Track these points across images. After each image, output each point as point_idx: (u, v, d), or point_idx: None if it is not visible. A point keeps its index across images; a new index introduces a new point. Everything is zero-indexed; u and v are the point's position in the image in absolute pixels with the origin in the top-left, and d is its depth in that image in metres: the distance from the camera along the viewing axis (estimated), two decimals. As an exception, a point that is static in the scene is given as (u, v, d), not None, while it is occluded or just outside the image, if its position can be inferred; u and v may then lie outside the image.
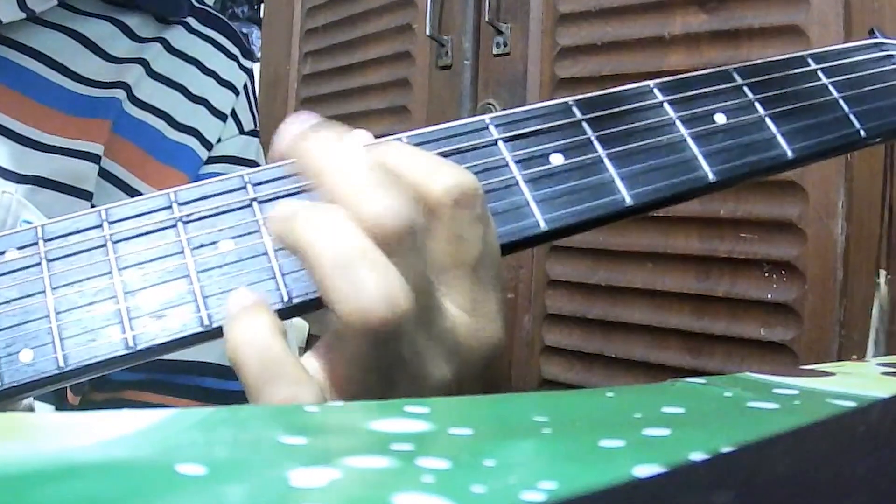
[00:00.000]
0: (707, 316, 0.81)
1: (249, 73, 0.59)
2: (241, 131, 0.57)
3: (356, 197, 0.27)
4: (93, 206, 0.49)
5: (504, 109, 0.32)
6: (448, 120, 0.34)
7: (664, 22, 0.85)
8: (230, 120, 0.56)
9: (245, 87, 0.58)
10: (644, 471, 0.13)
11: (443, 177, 0.29)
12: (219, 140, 0.56)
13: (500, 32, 1.02)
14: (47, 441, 0.15)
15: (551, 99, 0.35)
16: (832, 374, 0.25)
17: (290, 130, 0.30)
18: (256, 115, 0.59)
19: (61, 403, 0.49)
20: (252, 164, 0.58)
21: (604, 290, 0.89)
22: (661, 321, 0.84)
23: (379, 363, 0.27)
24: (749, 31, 0.79)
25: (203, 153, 0.55)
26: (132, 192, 0.52)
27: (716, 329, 0.80)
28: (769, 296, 0.77)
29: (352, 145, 0.29)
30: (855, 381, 0.25)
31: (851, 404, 0.20)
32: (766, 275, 0.77)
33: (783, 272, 0.76)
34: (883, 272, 0.55)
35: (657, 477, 0.13)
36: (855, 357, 0.71)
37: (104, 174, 0.50)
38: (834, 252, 0.73)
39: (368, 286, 0.26)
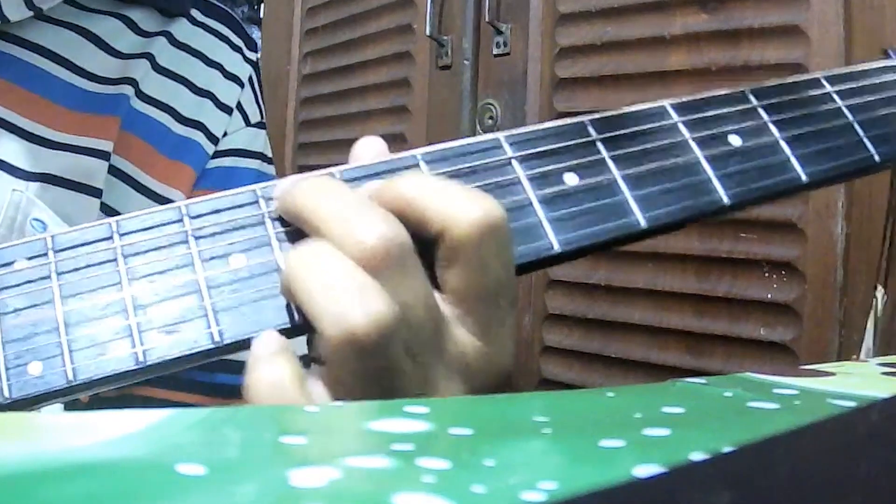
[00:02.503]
0: (707, 316, 0.81)
1: (254, 64, 0.59)
2: (248, 123, 0.57)
3: (334, 226, 0.28)
4: (102, 204, 0.49)
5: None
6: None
7: (664, 22, 0.85)
8: (236, 113, 0.56)
9: (250, 78, 0.58)
10: (644, 471, 0.13)
11: (470, 206, 0.29)
12: (225, 133, 0.56)
13: (500, 32, 1.02)
14: (48, 441, 0.15)
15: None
16: (832, 374, 0.25)
17: (280, 191, 0.31)
18: (263, 107, 0.59)
19: (71, 401, 0.49)
20: (259, 156, 0.58)
21: (604, 290, 0.89)
22: (661, 321, 0.84)
23: (374, 381, 0.27)
24: (749, 31, 0.79)
25: (209, 147, 0.55)
26: (141, 189, 0.52)
27: (716, 329, 0.80)
28: (769, 296, 0.77)
29: (327, 183, 0.30)
30: (855, 381, 0.25)
31: (851, 404, 0.20)
32: (766, 275, 0.77)
33: (783, 272, 0.76)
34: (881, 289, 0.55)
35: (657, 477, 0.13)
36: (855, 357, 0.71)
37: (113, 170, 0.50)
38: (834, 252, 0.73)
39: (348, 301, 0.27)
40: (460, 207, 0.29)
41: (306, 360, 0.29)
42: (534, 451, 0.16)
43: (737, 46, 0.80)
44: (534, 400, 0.21)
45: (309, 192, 0.30)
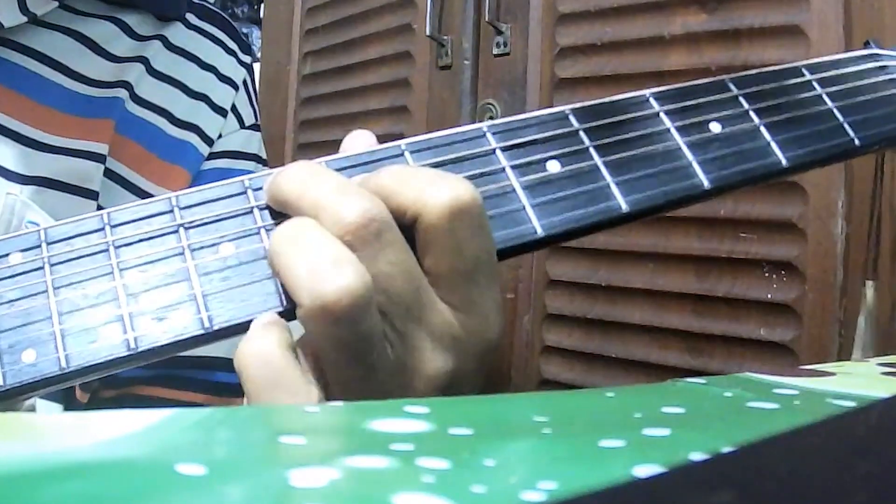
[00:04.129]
0: (707, 316, 0.81)
1: (248, 67, 0.59)
2: (242, 126, 0.57)
3: (317, 206, 0.29)
4: (98, 206, 0.50)
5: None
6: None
7: (664, 22, 0.85)
8: (230, 115, 0.57)
9: (244, 81, 0.58)
10: (644, 471, 0.13)
11: (439, 191, 0.29)
12: (219, 136, 0.56)
13: (500, 32, 1.02)
14: (47, 441, 0.15)
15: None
16: (832, 374, 0.25)
17: (268, 182, 0.32)
18: (257, 109, 0.59)
19: (70, 401, 0.49)
20: (254, 158, 0.58)
21: (604, 290, 0.89)
22: (661, 321, 0.84)
23: (352, 351, 0.28)
24: (749, 31, 0.79)
25: (204, 149, 0.55)
26: (136, 191, 0.52)
27: (716, 329, 0.80)
28: (769, 296, 0.77)
29: (309, 167, 0.31)
30: (855, 381, 0.25)
31: (851, 404, 0.20)
32: (766, 275, 0.77)
33: (783, 272, 0.76)
34: (870, 283, 0.55)
35: (657, 477, 0.13)
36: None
37: (108, 173, 0.51)
38: (834, 252, 0.73)
39: (320, 273, 0.28)
40: (429, 193, 0.30)
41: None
42: (534, 451, 0.16)
43: (737, 46, 0.80)
44: (534, 400, 0.21)
45: (293, 177, 0.31)
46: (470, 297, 0.30)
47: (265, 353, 0.28)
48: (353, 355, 0.28)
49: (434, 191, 0.29)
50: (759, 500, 0.13)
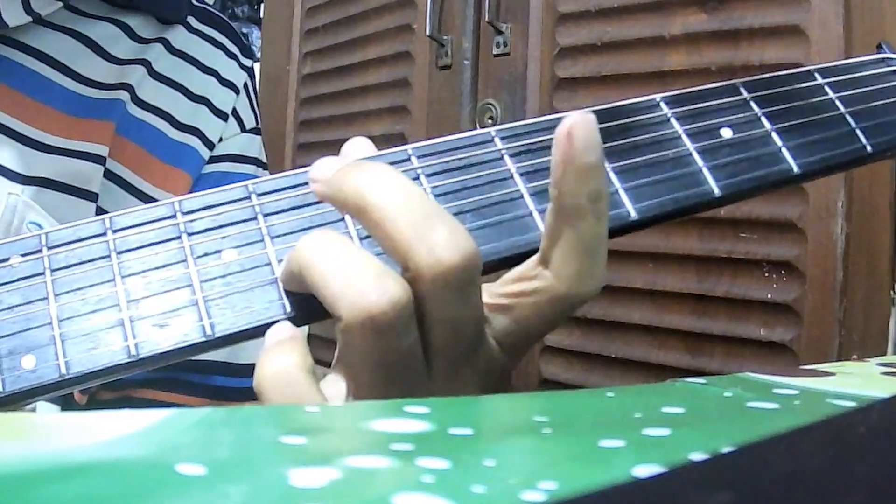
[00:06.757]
0: (707, 316, 0.81)
1: (249, 71, 0.59)
2: (243, 129, 0.58)
3: (407, 235, 0.27)
4: (98, 207, 0.50)
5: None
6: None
7: (664, 22, 0.85)
8: (231, 119, 0.57)
9: (245, 85, 0.58)
10: (644, 471, 0.13)
11: (587, 284, 0.30)
12: (220, 139, 0.56)
13: (500, 32, 1.02)
14: (47, 441, 0.15)
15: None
16: (832, 374, 0.25)
17: (326, 167, 0.29)
18: (258, 113, 0.60)
19: (68, 402, 0.49)
20: (255, 161, 0.58)
21: (604, 291, 0.89)
22: (661, 321, 0.84)
23: (387, 364, 0.28)
24: (749, 31, 0.79)
25: (205, 152, 0.55)
26: (136, 193, 0.52)
27: (716, 329, 0.80)
28: (769, 296, 0.77)
29: (400, 182, 0.28)
30: (855, 381, 0.25)
31: (851, 404, 0.20)
32: (766, 275, 0.77)
33: (783, 272, 0.76)
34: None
35: (657, 477, 0.13)
36: (855, 357, 0.71)
37: (109, 175, 0.51)
38: (834, 252, 0.73)
39: (365, 283, 0.27)
40: (579, 278, 0.30)
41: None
42: (534, 451, 0.16)
43: (737, 46, 0.80)
44: (534, 400, 0.21)
45: (380, 185, 0.28)
46: (521, 346, 0.31)
47: (285, 375, 0.27)
48: (391, 373, 0.28)
49: (585, 280, 0.30)
50: (759, 500, 0.13)
